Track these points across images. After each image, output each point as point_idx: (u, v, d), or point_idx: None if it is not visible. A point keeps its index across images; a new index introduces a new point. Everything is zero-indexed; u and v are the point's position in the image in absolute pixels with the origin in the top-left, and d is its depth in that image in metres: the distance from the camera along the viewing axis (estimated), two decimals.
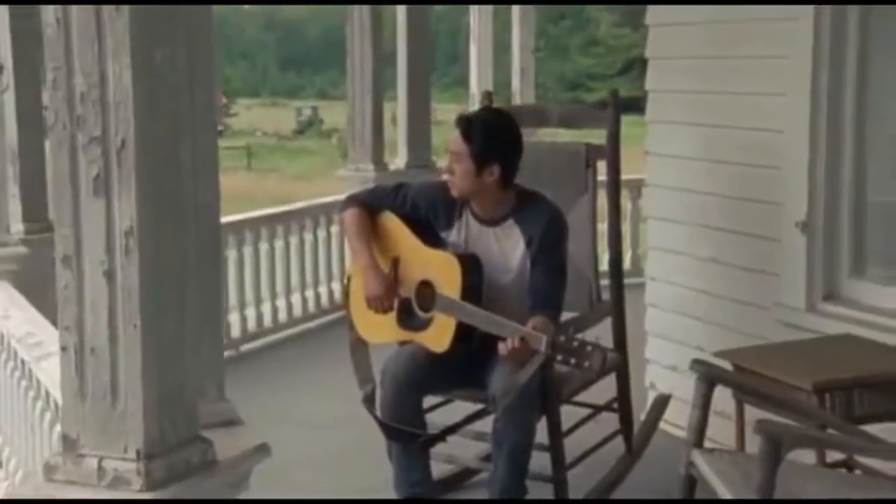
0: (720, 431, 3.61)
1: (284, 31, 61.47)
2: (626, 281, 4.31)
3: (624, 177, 4.28)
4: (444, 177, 3.81)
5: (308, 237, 7.09)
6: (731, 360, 3.69)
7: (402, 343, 3.80)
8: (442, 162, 5.58)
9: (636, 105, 5.60)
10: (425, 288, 3.66)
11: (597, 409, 4.20)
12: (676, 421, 4.31)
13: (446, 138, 3.92)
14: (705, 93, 4.61)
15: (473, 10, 9.94)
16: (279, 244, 6.84)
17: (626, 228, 7.26)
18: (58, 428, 3.04)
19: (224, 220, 3.52)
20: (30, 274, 4.85)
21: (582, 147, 4.16)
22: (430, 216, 3.80)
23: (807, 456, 3.46)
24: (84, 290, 2.04)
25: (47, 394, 3.27)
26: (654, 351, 4.95)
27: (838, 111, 4.11)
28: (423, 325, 3.66)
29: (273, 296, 6.76)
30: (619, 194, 4.26)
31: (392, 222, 3.82)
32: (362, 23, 7.28)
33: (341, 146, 27.89)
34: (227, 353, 5.13)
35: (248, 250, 6.57)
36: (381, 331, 3.82)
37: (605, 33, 43.88)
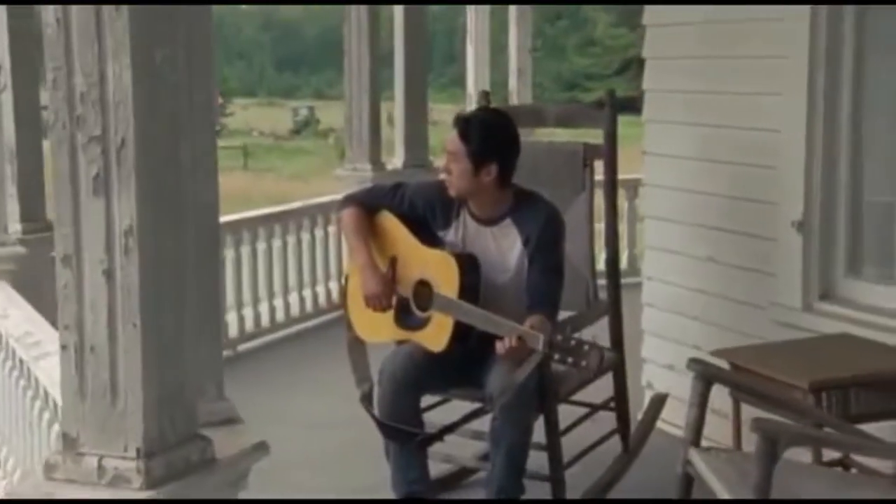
0: (717, 430, 3.63)
1: (281, 31, 61.41)
2: (623, 280, 4.32)
3: (620, 176, 4.29)
4: (442, 176, 3.81)
5: (305, 237, 7.09)
6: (728, 359, 3.70)
7: (400, 342, 3.81)
8: (439, 162, 5.60)
9: (633, 105, 5.61)
10: (423, 287, 3.66)
11: (594, 408, 4.21)
12: (673, 420, 4.32)
13: (443, 138, 3.93)
14: (702, 93, 4.62)
15: (470, 10, 9.94)
16: (277, 244, 6.84)
17: (622, 228, 7.27)
18: (56, 427, 3.06)
19: (221, 219, 3.52)
20: (27, 273, 4.85)
21: (579, 147, 4.17)
22: (427, 216, 3.81)
23: (803, 455, 3.48)
24: (84, 289, 2.05)
25: (45, 393, 3.27)
26: (651, 350, 4.96)
27: (834, 111, 4.12)
28: (421, 325, 3.67)
29: (270, 295, 6.76)
30: (616, 194, 4.27)
31: (390, 222, 3.83)
32: (360, 23, 7.29)
33: (338, 146, 27.87)
34: (224, 353, 5.13)
35: (245, 250, 6.58)
36: (378, 330, 3.83)
37: (601, 33, 43.88)
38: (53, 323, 3.33)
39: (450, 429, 3.71)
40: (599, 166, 4.19)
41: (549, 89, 38.01)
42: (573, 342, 3.23)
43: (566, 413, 3.91)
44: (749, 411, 3.36)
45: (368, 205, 3.88)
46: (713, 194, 4.57)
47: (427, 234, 3.78)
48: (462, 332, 3.55)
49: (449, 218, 3.78)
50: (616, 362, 4.19)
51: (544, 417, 3.70)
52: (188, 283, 2.14)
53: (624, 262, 7.09)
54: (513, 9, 10.00)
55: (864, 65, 4.09)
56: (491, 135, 3.66)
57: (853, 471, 3.68)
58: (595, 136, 4.19)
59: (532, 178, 3.84)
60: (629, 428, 4.32)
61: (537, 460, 3.72)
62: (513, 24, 10.01)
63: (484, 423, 3.69)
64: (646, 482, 4.12)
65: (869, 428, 3.31)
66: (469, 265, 3.64)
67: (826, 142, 4.13)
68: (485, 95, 4.50)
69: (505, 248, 3.71)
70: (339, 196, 4.19)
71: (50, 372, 3.15)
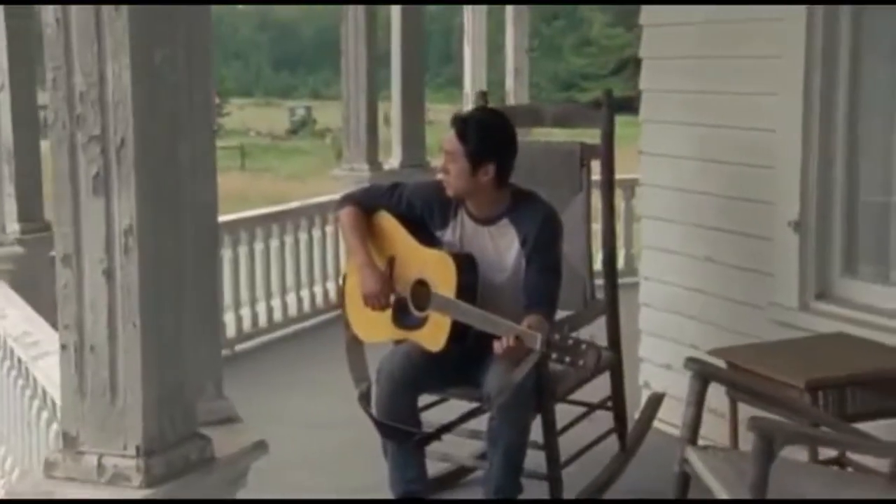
0: (714, 430, 3.63)
1: (278, 31, 61.42)
2: (620, 280, 4.33)
3: (617, 176, 4.29)
4: (439, 176, 3.82)
5: (303, 236, 7.10)
6: (725, 358, 3.71)
7: (398, 342, 3.81)
8: (436, 161, 5.61)
9: (629, 105, 5.62)
10: (421, 287, 3.67)
11: (591, 408, 4.22)
12: (670, 419, 4.33)
13: (440, 138, 3.93)
14: (699, 92, 4.62)
15: (467, 10, 9.93)
16: (274, 244, 6.84)
17: (619, 228, 7.28)
18: (54, 426, 3.07)
19: (219, 219, 3.52)
20: (25, 273, 4.86)
21: (576, 146, 4.17)
22: (425, 215, 3.81)
23: (800, 453, 3.49)
24: (84, 289, 2.06)
25: (44, 392, 3.28)
26: (648, 350, 4.97)
27: (831, 111, 4.13)
28: (419, 324, 3.68)
29: (268, 295, 6.76)
30: (613, 194, 4.28)
31: (387, 222, 3.84)
32: (357, 23, 7.29)
33: (335, 146, 27.90)
34: (222, 353, 5.13)
35: (243, 250, 6.58)
36: (376, 329, 3.83)
37: (598, 33, 43.92)
38: (52, 323, 3.34)
39: (447, 428, 3.71)
40: (596, 166, 4.19)
41: (546, 89, 38.05)
42: (570, 341, 3.24)
43: (563, 412, 3.91)
44: (746, 410, 3.37)
45: (366, 204, 3.89)
46: (710, 194, 4.58)
47: (425, 233, 3.79)
48: (460, 332, 3.55)
49: (446, 218, 3.79)
50: (613, 362, 4.20)
51: (542, 417, 3.71)
52: (187, 282, 2.15)
53: (621, 262, 7.09)
54: (510, 9, 10.00)
55: (861, 65, 4.10)
56: (488, 135, 3.67)
57: (849, 469, 3.70)
58: (592, 136, 4.20)
59: (529, 177, 3.85)
60: (626, 427, 4.32)
61: (535, 459, 3.72)
62: (510, 24, 10.00)
63: (481, 423, 3.70)
64: (643, 481, 4.13)
65: (865, 427, 3.32)
66: (467, 265, 3.64)
67: (822, 142, 4.14)
68: (482, 95, 4.50)
69: (502, 248, 3.71)
70: (336, 196, 4.19)
71: (48, 371, 3.16)
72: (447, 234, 3.78)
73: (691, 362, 3.31)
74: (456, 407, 3.81)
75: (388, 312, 3.75)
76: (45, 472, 2.11)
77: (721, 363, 3.66)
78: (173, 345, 2.12)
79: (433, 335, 3.62)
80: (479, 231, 3.75)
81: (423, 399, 3.86)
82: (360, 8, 7.27)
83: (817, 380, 3.37)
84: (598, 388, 4.16)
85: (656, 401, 4.60)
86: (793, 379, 3.39)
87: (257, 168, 35.97)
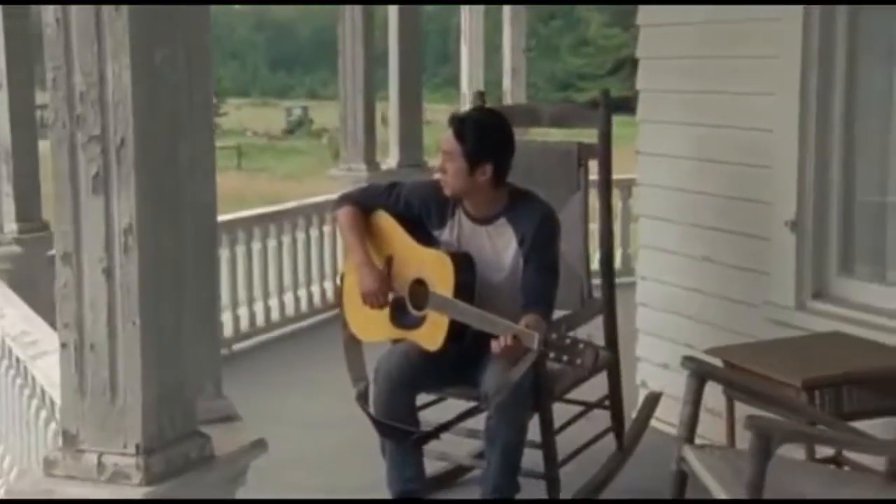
0: (711, 429, 3.64)
1: (275, 31, 61.42)
2: (616, 280, 4.33)
3: (614, 176, 4.30)
4: (437, 176, 3.83)
5: (301, 236, 7.10)
6: (722, 357, 3.72)
7: (396, 341, 3.82)
8: (434, 161, 5.61)
9: (626, 105, 5.63)
10: (418, 286, 3.68)
11: (589, 407, 4.23)
12: (667, 418, 4.34)
13: (437, 138, 3.93)
14: (696, 92, 4.63)
15: (464, 10, 9.94)
16: (272, 243, 6.85)
17: (616, 228, 7.28)
18: (53, 425, 3.07)
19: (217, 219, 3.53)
20: (24, 273, 4.87)
21: (574, 146, 4.18)
22: (423, 215, 3.82)
23: (796, 452, 3.49)
24: (83, 288, 2.06)
25: (43, 392, 3.28)
26: (646, 349, 4.98)
27: (827, 111, 4.14)
28: (417, 324, 3.69)
29: (266, 295, 6.77)
30: (610, 193, 4.29)
31: (385, 221, 3.84)
32: (354, 23, 7.30)
33: (332, 146, 27.89)
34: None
35: (240, 249, 6.58)
36: (374, 329, 3.84)
37: (595, 33, 43.94)
38: (50, 322, 3.34)
39: (445, 427, 3.72)
40: (593, 166, 4.20)
41: (543, 89, 38.10)
42: (568, 341, 3.25)
43: (561, 411, 3.92)
44: (742, 409, 3.38)
45: (364, 204, 3.89)
46: (707, 194, 4.59)
47: (422, 233, 3.79)
48: (457, 331, 3.56)
49: (444, 217, 3.79)
50: (610, 361, 4.21)
51: (539, 416, 3.71)
52: (187, 281, 2.16)
53: (618, 262, 7.10)
54: (507, 9, 10.00)
55: (857, 65, 4.11)
56: (486, 134, 3.68)
57: (846, 468, 3.70)
58: (589, 136, 4.20)
59: (527, 177, 3.86)
60: (623, 426, 4.34)
61: (532, 458, 3.73)
62: (507, 24, 10.01)
63: (479, 422, 3.70)
64: (640, 480, 4.13)
65: (861, 425, 3.33)
66: (464, 264, 3.65)
67: (819, 142, 4.15)
68: (479, 95, 4.51)
69: (500, 248, 3.72)
70: (333, 196, 4.19)
71: (47, 371, 3.16)
72: (445, 234, 3.79)
73: (688, 361, 3.32)
74: (454, 406, 3.82)
75: (386, 311, 3.75)
76: (44, 471, 2.12)
77: (718, 362, 3.67)
78: (173, 343, 2.12)
79: (431, 334, 3.62)
80: (477, 230, 3.76)
81: (421, 398, 3.87)
82: (357, 8, 7.28)
83: (814, 378, 3.38)
84: (596, 387, 4.16)
85: (653, 400, 4.61)
86: (789, 378, 3.41)
87: (254, 168, 35.95)
